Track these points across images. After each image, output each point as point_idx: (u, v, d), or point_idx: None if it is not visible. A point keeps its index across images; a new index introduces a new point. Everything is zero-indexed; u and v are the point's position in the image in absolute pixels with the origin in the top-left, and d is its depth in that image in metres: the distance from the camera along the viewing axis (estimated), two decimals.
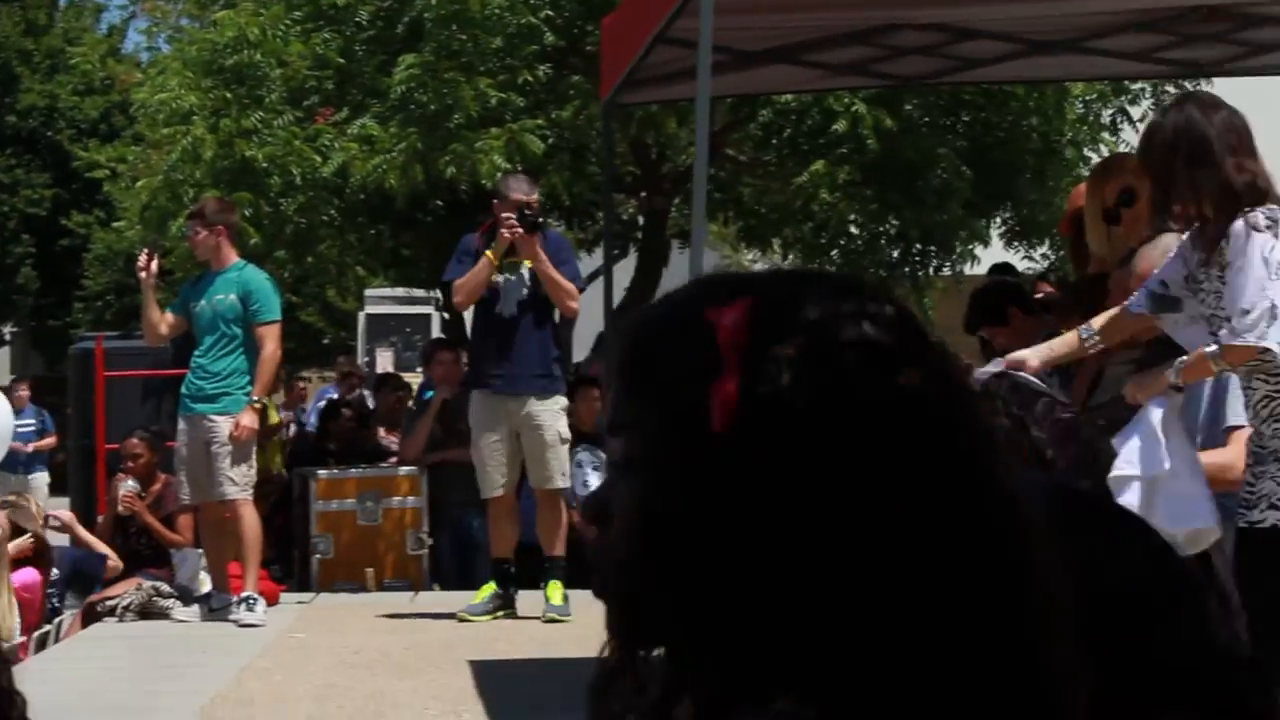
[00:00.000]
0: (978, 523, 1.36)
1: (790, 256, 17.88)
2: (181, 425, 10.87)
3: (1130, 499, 6.31)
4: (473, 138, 13.93)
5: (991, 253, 16.81)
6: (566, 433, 10.60)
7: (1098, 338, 5.88)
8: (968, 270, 16.45)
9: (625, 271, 17.58)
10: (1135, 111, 15.93)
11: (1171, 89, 15.28)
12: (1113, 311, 5.91)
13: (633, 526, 1.40)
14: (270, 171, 14.34)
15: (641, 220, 17.88)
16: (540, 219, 10.39)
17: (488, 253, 10.32)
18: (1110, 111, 16.05)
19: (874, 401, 1.36)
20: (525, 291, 10.38)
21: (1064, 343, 5.92)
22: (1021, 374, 4.89)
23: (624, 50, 8.59)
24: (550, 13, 14.42)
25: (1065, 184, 15.98)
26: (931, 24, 8.83)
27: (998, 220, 16.81)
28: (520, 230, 10.20)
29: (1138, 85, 15.43)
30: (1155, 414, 6.17)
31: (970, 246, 16.54)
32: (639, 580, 1.39)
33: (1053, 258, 16.74)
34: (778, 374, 1.36)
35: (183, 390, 10.91)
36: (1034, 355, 5.75)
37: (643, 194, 16.90)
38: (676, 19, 7.33)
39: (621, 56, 8.68)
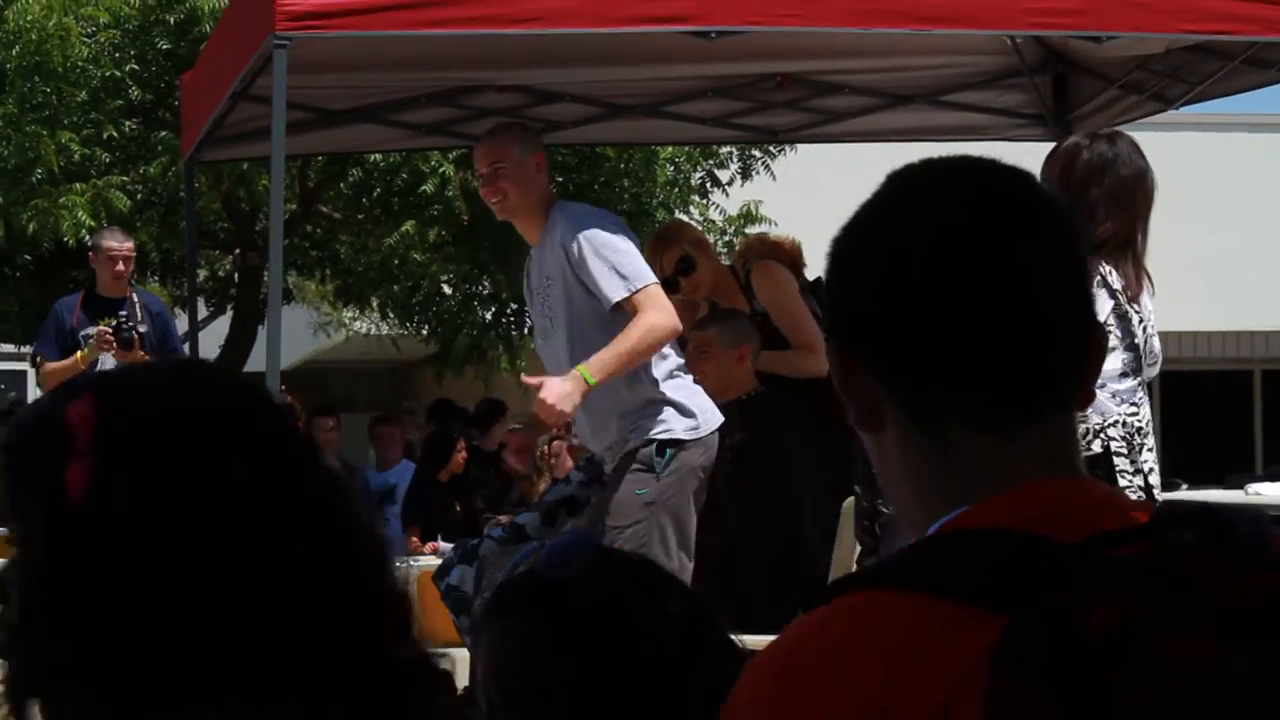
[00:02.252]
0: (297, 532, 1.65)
1: (389, 315, 17.83)
2: None
3: None
4: (56, 193, 13.63)
5: None
6: None
7: None
8: None
9: (224, 326, 17.37)
10: (723, 175, 16.23)
11: (757, 153, 15.63)
12: None
13: (30, 594, 1.64)
14: None
15: (236, 277, 17.67)
16: (133, 335, 10.34)
17: (79, 354, 10.33)
18: (699, 175, 16.33)
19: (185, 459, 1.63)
20: None
21: None
22: None
23: (204, 107, 8.47)
24: (136, 66, 14.19)
25: None
26: (513, 86, 8.89)
27: None
28: (114, 346, 10.27)
29: (725, 149, 15.72)
30: None
31: None
32: (37, 640, 1.62)
33: None
34: (120, 452, 1.63)
35: None
36: None
37: (236, 251, 16.70)
38: (258, 77, 7.26)
39: (202, 113, 8.57)
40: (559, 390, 6.60)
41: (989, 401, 1.64)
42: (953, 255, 1.64)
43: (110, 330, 10.24)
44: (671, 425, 6.78)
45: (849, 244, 1.73)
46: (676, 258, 7.86)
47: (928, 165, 1.74)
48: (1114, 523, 1.55)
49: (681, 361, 6.94)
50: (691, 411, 6.83)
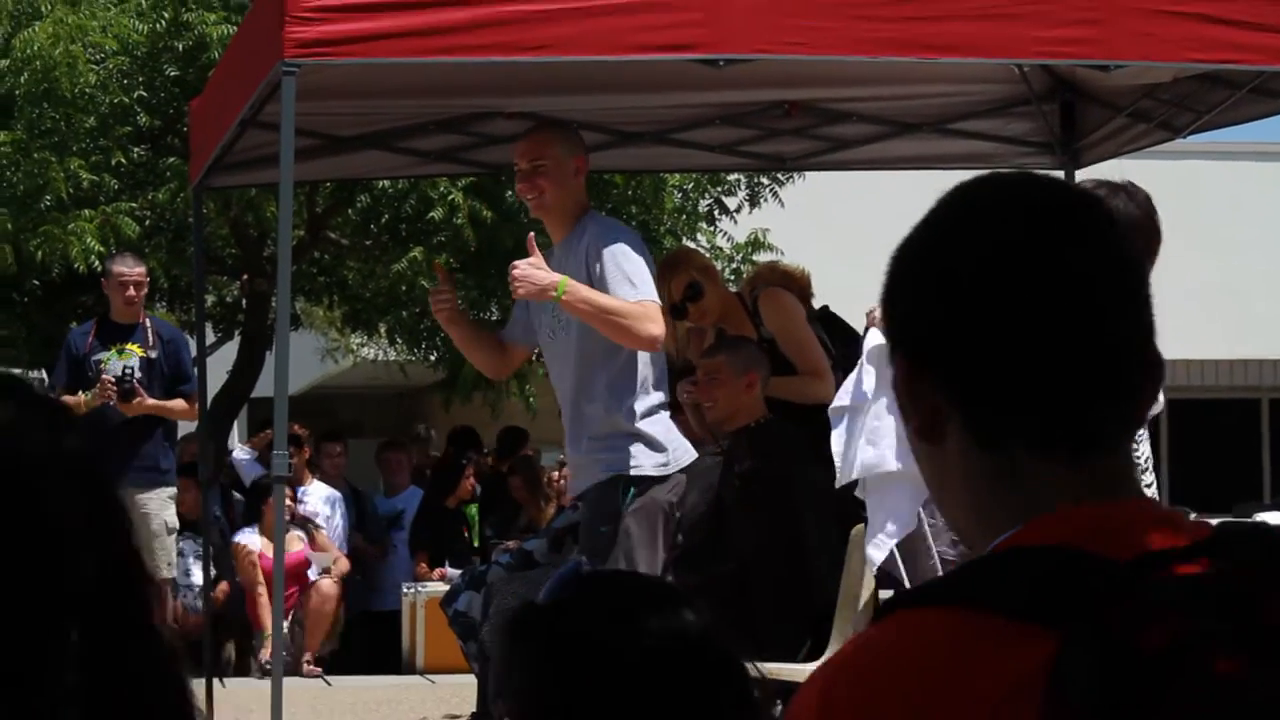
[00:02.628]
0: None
1: (397, 341, 17.83)
2: None
3: (839, 430, 6.75)
4: (65, 219, 13.66)
5: None
6: (174, 522, 10.71)
7: None
8: None
9: (231, 351, 17.39)
10: (731, 202, 16.24)
11: (765, 181, 15.64)
12: None
13: None
14: None
15: (244, 303, 17.68)
16: (133, 386, 10.41)
17: (82, 398, 10.43)
18: (707, 202, 16.34)
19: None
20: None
21: None
22: None
23: (212, 133, 8.49)
24: (144, 93, 14.23)
25: None
26: (521, 113, 8.89)
27: None
28: (114, 398, 10.43)
29: (733, 176, 15.73)
30: (871, 341, 6.65)
31: None
32: None
33: None
34: None
35: None
36: None
37: (244, 276, 16.72)
38: (266, 103, 7.27)
39: (210, 140, 8.58)
40: (535, 273, 6.69)
41: (1054, 427, 1.65)
42: (1013, 271, 1.65)
43: (113, 381, 10.30)
44: (641, 461, 6.82)
45: (914, 255, 1.74)
46: (685, 284, 7.87)
47: (990, 180, 1.75)
48: (1170, 542, 1.55)
49: (664, 399, 6.97)
50: (663, 447, 6.88)
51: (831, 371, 7.82)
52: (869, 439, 7.04)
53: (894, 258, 1.75)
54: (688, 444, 6.99)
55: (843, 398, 7.19)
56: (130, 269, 10.80)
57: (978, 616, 1.53)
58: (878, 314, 7.16)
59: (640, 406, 6.88)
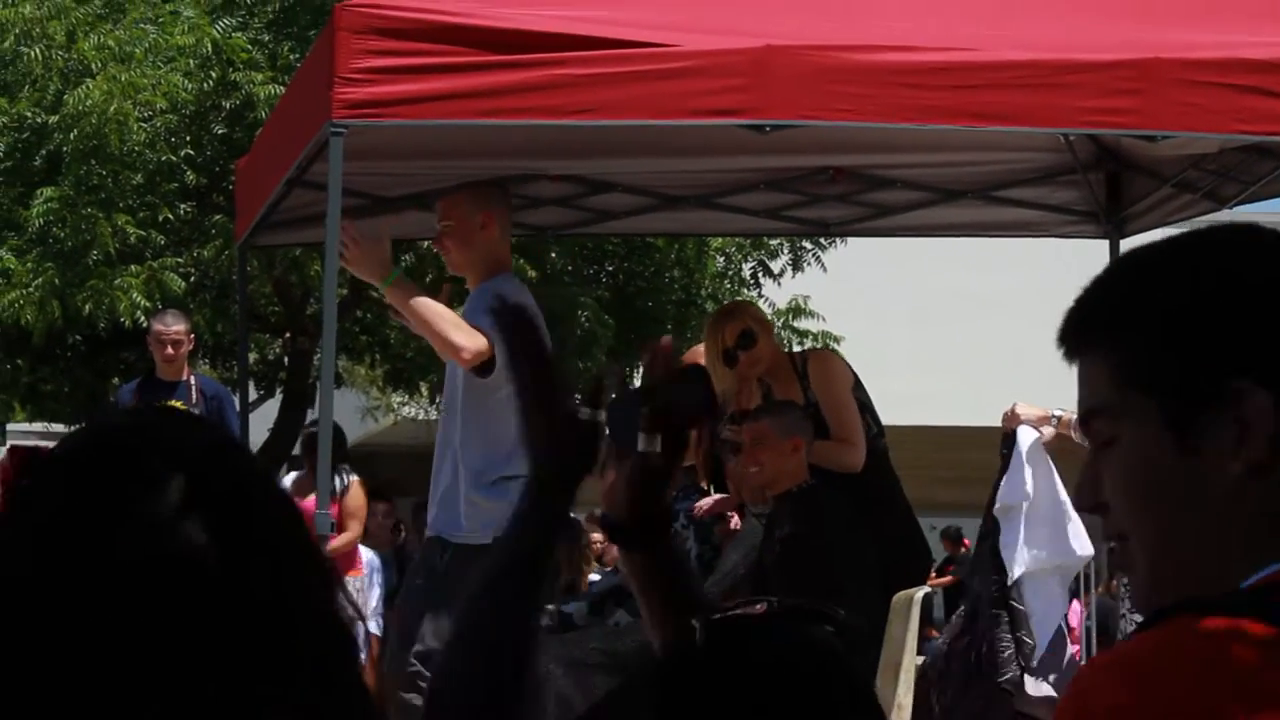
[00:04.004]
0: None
1: (438, 399, 17.85)
2: None
3: (1010, 530, 6.81)
4: (111, 274, 13.73)
5: None
6: None
7: None
8: None
9: (273, 408, 17.42)
10: (775, 265, 16.26)
11: (808, 245, 15.66)
12: None
13: None
14: None
15: (287, 360, 17.74)
16: None
17: None
18: (750, 266, 16.36)
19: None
20: None
21: None
22: None
23: (258, 192, 8.52)
24: (192, 152, 14.32)
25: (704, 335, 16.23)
26: (565, 175, 8.92)
27: (640, 368, 16.94)
28: None
29: (775, 241, 15.76)
30: (1025, 440, 6.73)
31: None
32: None
33: None
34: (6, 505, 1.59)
35: None
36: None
37: (287, 334, 16.77)
38: (312, 163, 7.30)
39: (256, 198, 8.61)
40: (370, 250, 6.93)
41: None
42: None
43: None
44: (481, 534, 6.78)
45: (1206, 285, 1.79)
46: (739, 330, 7.88)
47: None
48: None
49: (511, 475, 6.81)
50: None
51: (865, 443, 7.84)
52: (1028, 541, 7.10)
53: (1167, 300, 1.79)
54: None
55: (1006, 497, 7.22)
56: (169, 327, 10.82)
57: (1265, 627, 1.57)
58: (1022, 411, 7.29)
59: (491, 476, 6.90)
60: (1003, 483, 7.24)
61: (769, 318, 16.42)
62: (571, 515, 2.38)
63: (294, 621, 1.56)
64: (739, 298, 15.82)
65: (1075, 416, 6.51)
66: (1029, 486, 7.13)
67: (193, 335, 11.42)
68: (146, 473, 1.56)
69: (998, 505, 7.23)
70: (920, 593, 7.31)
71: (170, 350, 10.76)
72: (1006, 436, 7.36)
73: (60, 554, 1.52)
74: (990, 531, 7.26)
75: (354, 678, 1.62)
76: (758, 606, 2.20)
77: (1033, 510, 7.12)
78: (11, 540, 1.56)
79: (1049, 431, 7.18)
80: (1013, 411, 7.32)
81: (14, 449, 1.68)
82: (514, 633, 2.23)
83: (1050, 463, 7.15)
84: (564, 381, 2.46)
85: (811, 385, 7.93)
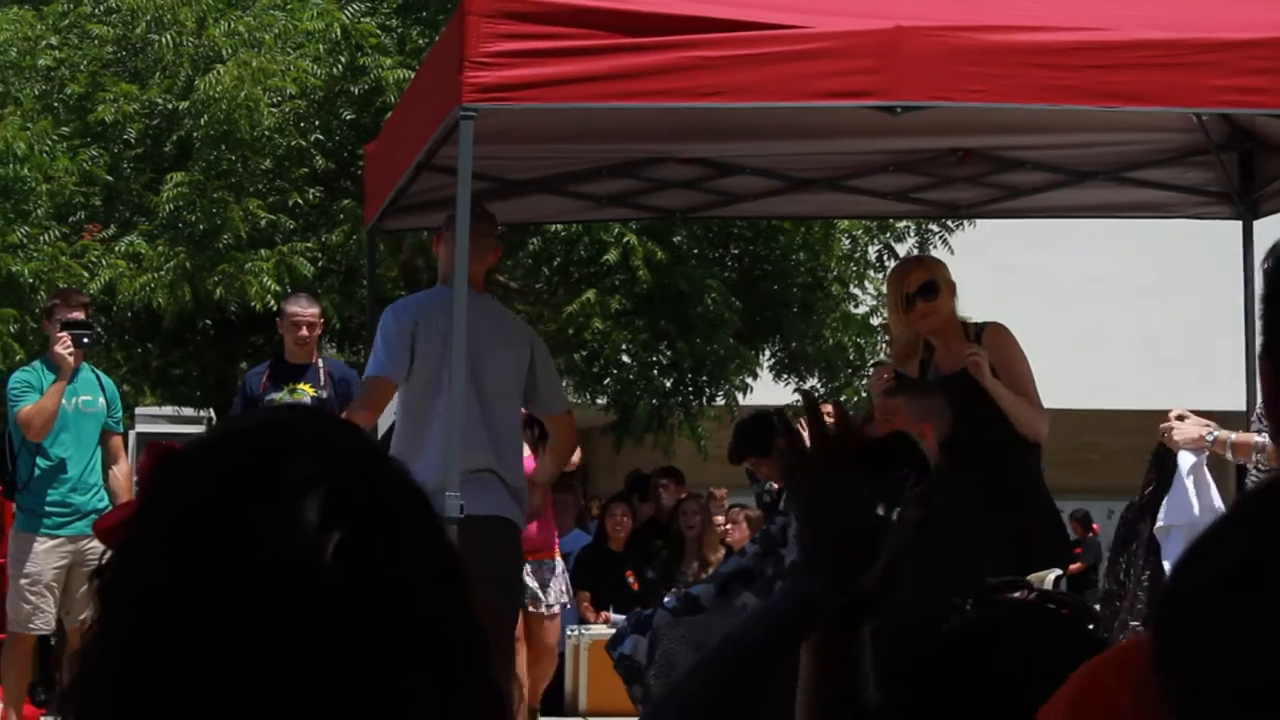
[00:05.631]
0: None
1: (565, 383, 17.89)
2: (44, 545, 10.00)
3: (1172, 549, 6.83)
4: (242, 258, 13.85)
5: (762, 383, 16.95)
6: None
7: None
8: (741, 400, 16.56)
9: None
10: (900, 248, 16.19)
11: (935, 227, 15.58)
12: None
13: None
14: (35, 287, 14.10)
15: None
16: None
17: None
18: (876, 248, 16.30)
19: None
20: None
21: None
22: None
23: (388, 177, 8.57)
24: (321, 136, 14.42)
25: (831, 319, 16.19)
26: (694, 158, 8.92)
27: (767, 352, 16.95)
28: None
29: (902, 223, 15.68)
30: (1185, 462, 6.72)
31: (742, 376, 16.65)
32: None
33: (822, 390, 16.89)
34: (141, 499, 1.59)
35: (42, 506, 10.04)
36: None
37: None
38: (440, 147, 7.34)
39: (385, 183, 8.67)
40: None
41: None
42: None
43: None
44: None
45: None
46: (924, 280, 7.75)
47: None
48: None
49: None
50: None
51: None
52: None
53: (1273, 263, 1.76)
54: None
55: (1169, 517, 7.17)
56: (303, 309, 10.87)
57: None
58: (1178, 435, 7.22)
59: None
60: (1165, 503, 7.17)
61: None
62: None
63: (428, 627, 1.55)
64: (857, 288, 15.77)
65: (1230, 436, 6.50)
66: (1194, 508, 7.06)
67: (323, 319, 11.48)
68: (289, 476, 1.55)
69: (1159, 524, 7.17)
70: (1052, 575, 7.24)
71: (304, 332, 10.81)
72: (1159, 450, 7.28)
73: (198, 552, 1.51)
74: (1139, 546, 7.20)
75: (488, 682, 1.60)
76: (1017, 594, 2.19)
77: (1194, 532, 7.05)
78: (148, 535, 1.55)
79: (1203, 453, 7.13)
80: (1169, 433, 7.23)
81: (151, 444, 1.67)
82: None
83: (1211, 482, 7.09)
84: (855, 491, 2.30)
85: (989, 354, 7.74)
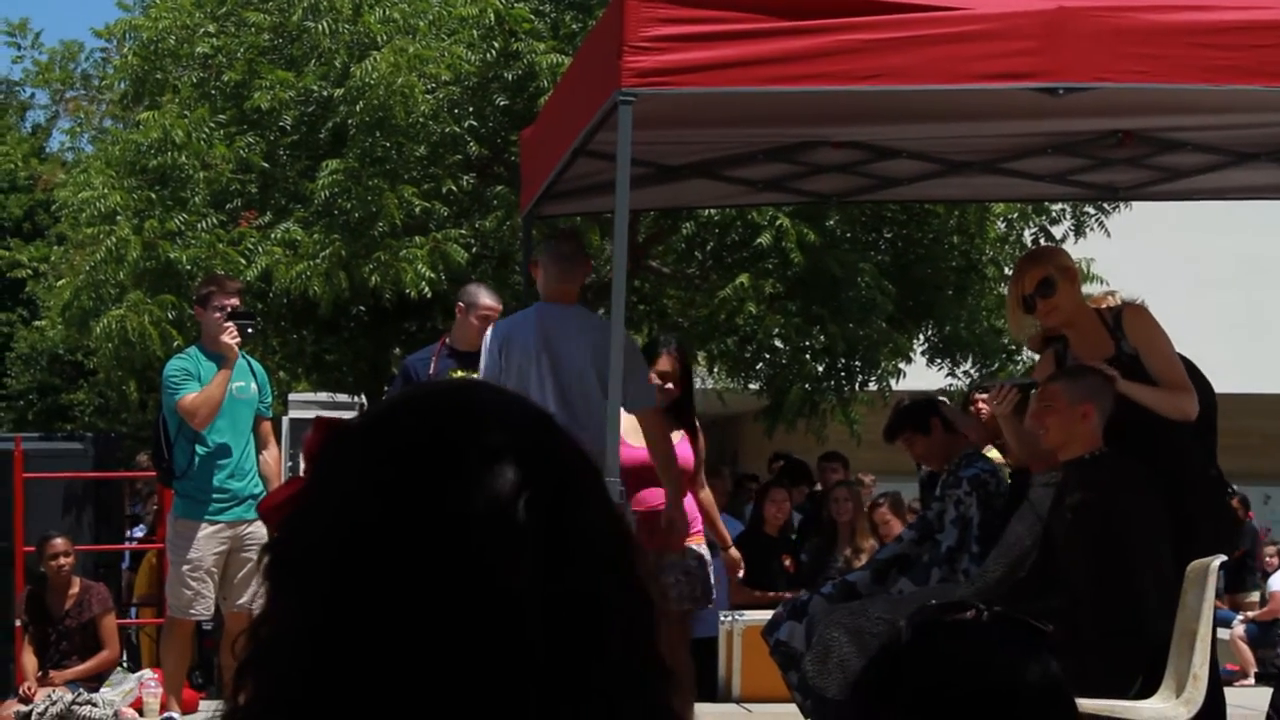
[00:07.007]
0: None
1: (716, 369, 17.88)
2: (207, 531, 10.11)
3: None
4: (396, 245, 13.93)
5: (915, 368, 16.85)
6: None
7: None
8: (894, 385, 16.47)
9: None
10: (1056, 231, 16.04)
11: (1090, 210, 15.42)
12: None
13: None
14: (193, 274, 14.24)
15: None
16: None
17: None
18: (1031, 231, 16.15)
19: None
20: None
21: None
22: None
23: (543, 162, 8.60)
24: (474, 123, 14.47)
25: (985, 302, 16.05)
26: (849, 142, 8.87)
27: (920, 336, 16.84)
28: None
29: (1058, 206, 15.53)
30: None
31: (895, 361, 16.55)
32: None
33: (974, 375, 16.77)
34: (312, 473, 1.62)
35: (204, 493, 10.12)
36: None
37: None
38: (597, 132, 7.34)
39: (541, 168, 8.69)
40: None
41: None
42: None
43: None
44: None
45: None
46: (1040, 277, 7.68)
47: None
48: None
49: None
50: None
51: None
52: None
53: None
54: None
55: None
56: (495, 304, 10.78)
57: None
58: None
59: None
60: None
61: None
62: None
63: (612, 571, 1.59)
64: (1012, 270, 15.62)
65: None
66: None
67: None
68: (486, 437, 1.58)
69: None
70: (1216, 561, 7.16)
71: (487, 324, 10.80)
72: None
73: (408, 498, 1.54)
74: None
75: (655, 659, 1.62)
76: (968, 613, 2.18)
77: None
78: (320, 510, 1.57)
79: None
80: None
81: (320, 419, 1.68)
82: None
83: None
84: None
85: (1129, 337, 7.65)
